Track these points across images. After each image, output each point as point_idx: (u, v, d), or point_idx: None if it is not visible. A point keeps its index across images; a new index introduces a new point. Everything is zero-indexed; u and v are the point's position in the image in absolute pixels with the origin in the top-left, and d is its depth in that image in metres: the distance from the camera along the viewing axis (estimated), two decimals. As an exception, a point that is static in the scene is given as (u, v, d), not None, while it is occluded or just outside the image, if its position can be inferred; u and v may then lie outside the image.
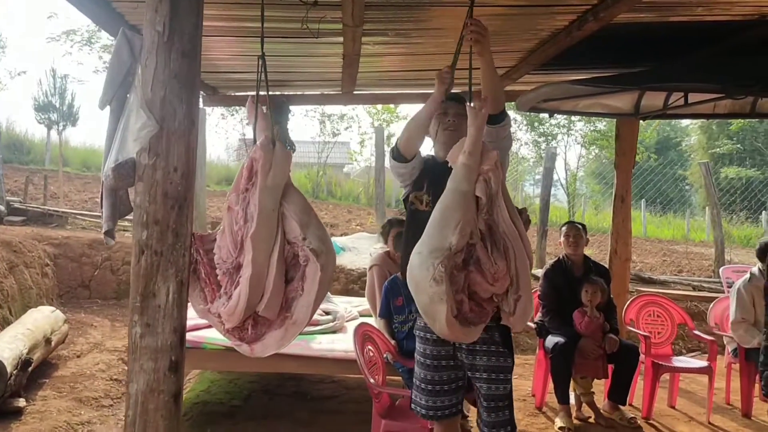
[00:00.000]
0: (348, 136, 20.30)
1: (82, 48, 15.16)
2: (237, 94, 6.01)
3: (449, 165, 2.53)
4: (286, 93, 5.78)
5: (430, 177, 2.75)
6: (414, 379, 2.73)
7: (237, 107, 15.80)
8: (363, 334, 3.27)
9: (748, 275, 4.47)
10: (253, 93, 5.87)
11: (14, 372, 3.77)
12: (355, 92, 5.63)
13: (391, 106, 17.93)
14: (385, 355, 3.38)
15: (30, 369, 4.02)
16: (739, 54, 3.58)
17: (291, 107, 6.17)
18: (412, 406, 2.70)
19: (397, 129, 19.10)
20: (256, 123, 2.34)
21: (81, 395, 4.13)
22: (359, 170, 22.76)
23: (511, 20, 3.63)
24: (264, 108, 2.39)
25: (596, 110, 5.33)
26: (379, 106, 17.90)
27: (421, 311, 2.30)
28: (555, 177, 17.85)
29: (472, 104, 2.43)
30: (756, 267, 4.53)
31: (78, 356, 4.89)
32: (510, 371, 2.66)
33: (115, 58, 2.40)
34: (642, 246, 13.46)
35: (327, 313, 4.35)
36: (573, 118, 15.81)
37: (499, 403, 2.63)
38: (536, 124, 17.43)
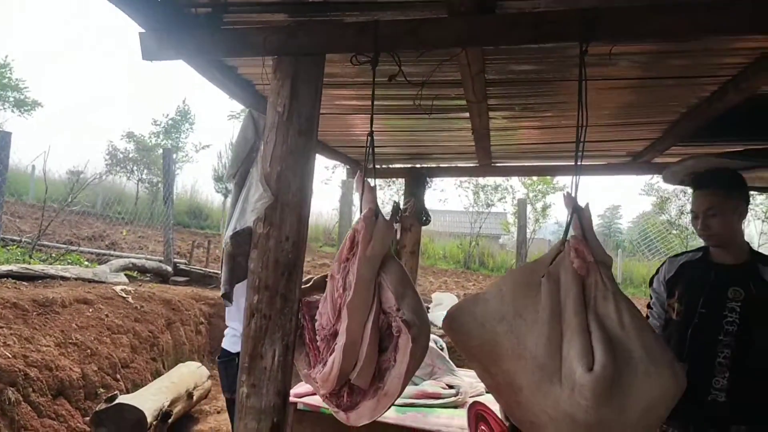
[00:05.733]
0: (503, 207, 20.18)
1: (257, 124, 16.45)
2: (382, 167, 6.29)
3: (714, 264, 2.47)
4: (425, 165, 5.94)
5: (685, 284, 2.58)
6: None
7: (392, 179, 16.41)
8: (476, 414, 3.18)
9: None
10: (398, 165, 6.11)
11: (154, 423, 4.10)
12: (492, 164, 5.67)
13: (548, 177, 17.71)
14: (499, 437, 3.25)
15: (170, 421, 4.33)
16: None
17: (433, 179, 6.33)
18: None
19: (553, 200, 18.76)
20: (362, 196, 2.43)
21: (215, 450, 4.36)
22: (514, 241, 22.46)
23: (647, 93, 3.52)
24: (371, 181, 2.48)
25: (756, 185, 4.90)
26: (535, 177, 17.73)
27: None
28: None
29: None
30: None
31: (218, 412, 5.18)
32: None
33: (241, 135, 2.64)
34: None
35: (450, 387, 4.28)
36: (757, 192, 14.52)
37: None
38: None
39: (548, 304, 2.15)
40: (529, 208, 18.29)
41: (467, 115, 3.83)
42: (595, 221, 2.37)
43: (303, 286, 3.10)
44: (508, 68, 3.09)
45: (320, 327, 2.31)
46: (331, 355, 2.23)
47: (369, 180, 2.45)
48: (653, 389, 2.06)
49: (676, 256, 2.74)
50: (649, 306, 2.76)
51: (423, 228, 6.06)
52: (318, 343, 2.32)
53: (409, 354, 2.11)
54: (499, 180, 19.06)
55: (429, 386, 4.26)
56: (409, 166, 5.94)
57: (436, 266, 17.93)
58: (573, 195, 2.27)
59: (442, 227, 26.01)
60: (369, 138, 2.48)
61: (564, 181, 18.95)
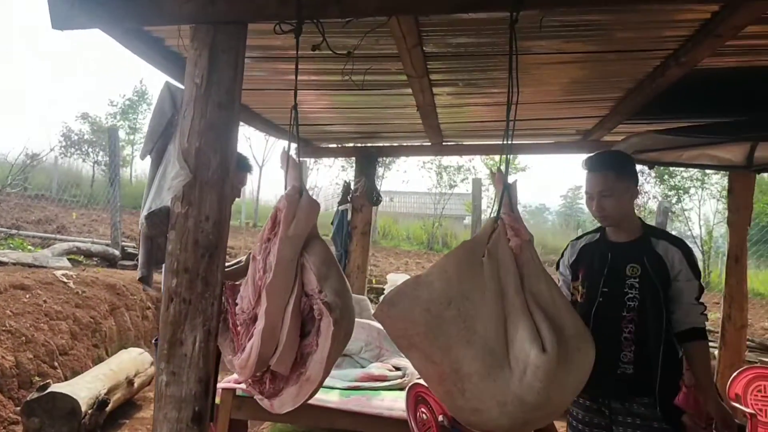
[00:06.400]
0: (466, 188, 20.15)
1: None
2: (331, 146, 6.16)
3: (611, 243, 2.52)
4: (376, 144, 5.83)
5: (586, 266, 2.62)
6: None
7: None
8: (416, 395, 3.11)
9: None
10: (348, 144, 5.97)
11: (89, 411, 3.95)
12: (444, 143, 5.58)
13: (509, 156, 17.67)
14: (440, 419, 3.18)
15: (107, 409, 4.18)
16: None
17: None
18: None
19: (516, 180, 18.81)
20: (287, 172, 2.31)
21: (157, 437, 4.22)
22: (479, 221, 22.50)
23: (594, 68, 3.47)
24: (296, 158, 2.36)
25: (703, 162, 4.90)
26: (497, 157, 17.72)
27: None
28: (689, 233, 16.69)
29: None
30: None
31: (163, 398, 5.03)
32: None
33: (157, 109, 2.50)
34: (787, 311, 12.06)
35: (397, 368, 4.21)
36: (708, 170, 14.71)
37: None
38: (666, 176, 16.53)
39: (492, 286, 2.07)
40: (492, 188, 18.34)
41: (410, 91, 3.72)
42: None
43: (234, 267, 2.98)
44: (446, 41, 2.99)
45: (240, 311, 2.20)
46: (249, 340, 2.12)
47: (294, 156, 2.32)
48: (584, 364, 2.09)
49: (577, 239, 2.78)
50: None
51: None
52: (238, 328, 2.20)
53: (331, 338, 2.01)
54: (461, 161, 19.02)
55: (375, 369, 4.19)
56: (359, 145, 5.82)
57: (399, 247, 17.85)
58: (504, 173, 2.21)
59: (406, 208, 25.97)
60: (293, 112, 2.35)
61: (525, 160, 19.02)
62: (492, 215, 2.23)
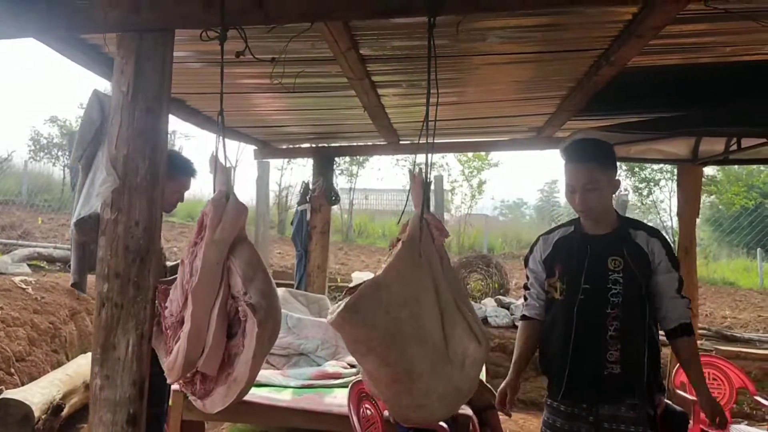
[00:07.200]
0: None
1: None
2: (289, 146, 6.19)
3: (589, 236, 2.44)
4: (332, 145, 5.88)
5: (563, 261, 2.47)
6: None
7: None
8: (359, 392, 3.15)
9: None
10: (305, 145, 5.99)
11: (43, 417, 3.95)
12: (401, 142, 5.64)
13: (482, 153, 17.81)
14: (385, 414, 3.24)
15: (62, 414, 4.18)
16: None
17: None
18: None
19: (488, 176, 18.92)
20: (215, 177, 2.35)
21: (115, 441, 4.23)
22: (456, 217, 22.57)
23: (537, 68, 3.57)
24: (224, 162, 2.39)
25: (651, 156, 5.02)
26: (470, 153, 17.81)
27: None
28: (661, 225, 16.94)
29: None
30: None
31: (123, 402, 5.02)
32: None
33: (86, 117, 2.52)
34: (750, 299, 12.33)
35: (352, 366, 4.26)
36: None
37: None
38: (636, 169, 16.73)
39: (431, 284, 2.17)
40: (465, 184, 18.47)
41: (354, 92, 3.77)
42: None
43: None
44: (381, 44, 3.04)
45: (170, 314, 2.23)
46: (176, 343, 2.15)
47: (221, 161, 2.35)
48: (486, 350, 2.25)
49: (549, 233, 2.63)
50: (526, 287, 2.67)
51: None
52: (168, 331, 2.24)
53: (256, 338, 2.05)
54: (434, 157, 19.03)
55: (330, 367, 4.23)
56: (315, 145, 5.86)
57: (374, 245, 17.87)
58: (425, 172, 2.28)
59: (382, 206, 25.99)
60: (219, 117, 2.38)
61: (498, 156, 19.12)
62: (415, 214, 2.29)
